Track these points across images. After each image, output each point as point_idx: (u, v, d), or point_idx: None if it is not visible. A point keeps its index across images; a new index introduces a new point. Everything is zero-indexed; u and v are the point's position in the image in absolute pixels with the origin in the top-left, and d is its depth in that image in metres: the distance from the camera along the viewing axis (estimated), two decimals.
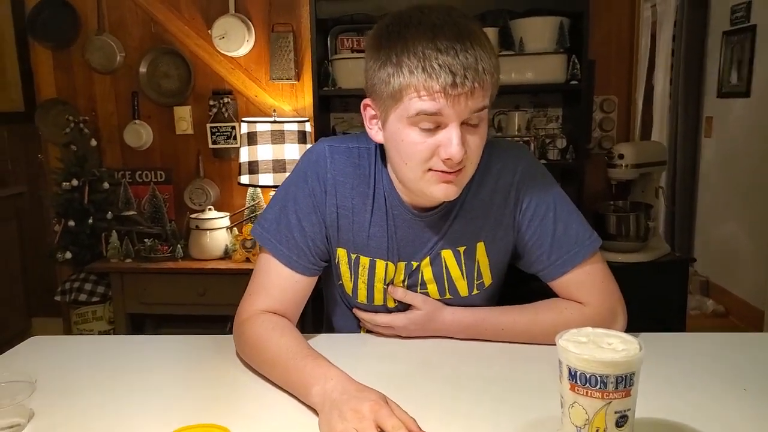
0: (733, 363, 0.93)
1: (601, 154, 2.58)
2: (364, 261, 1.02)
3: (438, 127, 0.84)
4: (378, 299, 1.04)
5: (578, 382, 0.63)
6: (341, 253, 1.03)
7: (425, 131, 0.84)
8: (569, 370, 0.64)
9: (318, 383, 0.78)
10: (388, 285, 1.03)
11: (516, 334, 1.00)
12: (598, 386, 0.62)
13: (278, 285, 0.98)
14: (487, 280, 1.04)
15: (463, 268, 1.02)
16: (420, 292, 1.03)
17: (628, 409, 0.63)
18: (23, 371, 0.81)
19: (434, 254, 1.01)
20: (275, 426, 0.77)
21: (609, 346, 0.65)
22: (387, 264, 1.01)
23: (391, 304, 1.05)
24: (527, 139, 2.39)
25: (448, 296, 1.03)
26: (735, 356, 0.96)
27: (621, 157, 2.34)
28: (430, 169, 0.87)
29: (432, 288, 1.03)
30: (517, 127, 2.48)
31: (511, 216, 1.00)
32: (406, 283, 1.03)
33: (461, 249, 1.01)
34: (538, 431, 0.74)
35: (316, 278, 1.03)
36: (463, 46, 0.80)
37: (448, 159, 0.84)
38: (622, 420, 0.63)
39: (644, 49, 4.18)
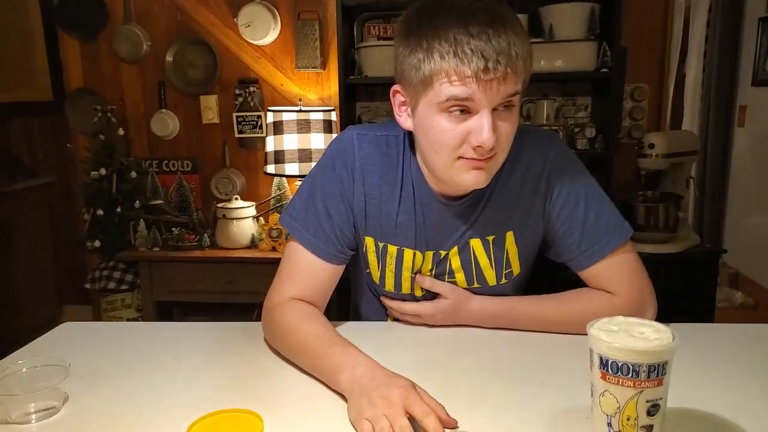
0: (764, 353, 0.91)
1: (630, 143, 2.53)
2: (392, 250, 1.02)
3: (469, 113, 0.82)
4: (406, 288, 1.04)
5: (610, 370, 0.62)
6: (369, 242, 1.03)
7: (456, 118, 0.83)
8: (600, 358, 0.63)
9: (347, 370, 0.78)
10: (415, 274, 1.03)
11: (544, 324, 0.99)
12: (630, 375, 0.61)
13: (306, 273, 0.99)
14: (516, 269, 1.03)
15: (492, 257, 1.01)
16: (448, 281, 1.03)
17: (660, 398, 0.62)
18: (57, 356, 0.83)
19: (462, 243, 1.00)
20: (306, 412, 0.77)
21: (641, 335, 0.64)
22: (415, 253, 1.01)
23: (418, 293, 1.05)
24: (556, 128, 2.36)
25: (476, 285, 1.03)
26: (766, 346, 0.94)
27: (651, 146, 2.28)
28: (460, 157, 0.85)
29: (460, 277, 1.02)
30: (545, 116, 2.44)
31: (542, 205, 0.99)
32: (434, 272, 1.03)
33: (490, 238, 1.00)
34: (568, 420, 0.73)
35: (344, 266, 1.03)
36: (495, 31, 0.79)
37: (478, 146, 0.82)
38: (653, 409, 0.62)
39: (677, 36, 4.05)
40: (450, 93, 0.81)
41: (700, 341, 0.96)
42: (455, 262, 1.01)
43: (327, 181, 0.99)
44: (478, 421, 0.72)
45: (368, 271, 1.06)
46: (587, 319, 0.67)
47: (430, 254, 1.01)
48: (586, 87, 2.57)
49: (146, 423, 0.75)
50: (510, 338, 0.99)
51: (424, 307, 1.02)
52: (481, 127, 0.81)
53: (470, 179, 0.87)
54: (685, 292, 2.33)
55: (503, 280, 1.03)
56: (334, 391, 0.81)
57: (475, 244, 1.00)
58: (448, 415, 0.70)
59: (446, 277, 1.03)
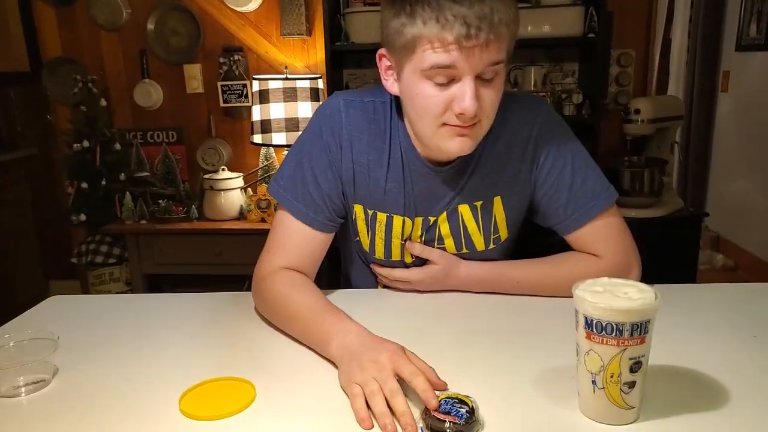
0: (743, 312, 0.94)
1: (617, 109, 2.54)
2: (381, 217, 1.02)
3: (452, 80, 0.82)
4: (395, 254, 1.05)
5: (594, 330, 0.64)
6: (358, 210, 1.03)
7: (439, 85, 0.83)
8: (585, 318, 0.65)
9: (337, 337, 0.80)
10: (405, 241, 1.04)
11: (532, 287, 1.01)
12: (614, 334, 0.63)
13: (296, 241, 0.99)
14: (504, 234, 1.04)
15: (480, 222, 1.02)
16: (437, 247, 1.04)
17: (643, 356, 0.64)
18: (45, 329, 0.82)
19: (451, 209, 1.01)
20: (298, 379, 0.79)
21: (625, 296, 0.66)
22: (404, 219, 1.02)
23: (408, 260, 1.06)
24: (543, 94, 2.35)
25: (465, 251, 1.04)
26: (745, 306, 0.97)
27: (637, 112, 2.29)
28: (444, 124, 0.86)
29: (449, 243, 1.03)
30: (533, 82, 2.43)
31: (529, 170, 0.99)
32: (423, 238, 1.04)
33: (478, 204, 1.01)
34: (555, 379, 0.75)
35: (333, 235, 1.03)
36: (481, 2, 0.78)
37: (461, 113, 0.83)
38: (636, 366, 0.64)
39: (663, 1, 4.05)
40: (432, 60, 0.81)
41: (681, 301, 0.98)
42: (444, 228, 1.02)
43: (314, 149, 0.99)
44: (467, 383, 0.74)
45: (358, 239, 1.07)
46: (573, 282, 0.68)
47: (419, 220, 1.02)
48: (573, 53, 2.56)
49: (138, 393, 0.76)
50: (498, 303, 1.00)
51: (414, 273, 1.03)
52: (463, 94, 0.81)
53: (454, 146, 0.88)
54: (668, 254, 2.38)
55: (491, 245, 1.04)
56: (325, 358, 0.82)
57: (463, 209, 1.01)
58: (437, 377, 0.72)
59: (436, 243, 1.04)
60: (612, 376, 0.65)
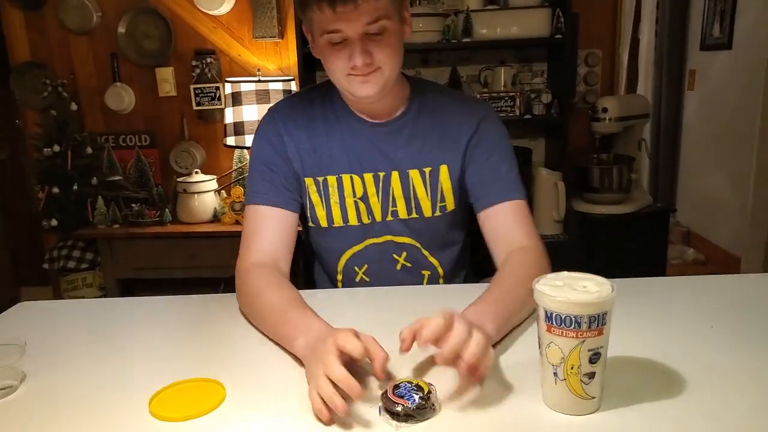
0: (703, 303, 0.97)
1: (585, 108, 2.60)
2: (332, 180, 1.10)
3: (345, 39, 0.95)
4: (352, 217, 1.12)
5: (554, 323, 0.66)
6: (309, 182, 1.11)
7: (336, 44, 0.96)
8: (545, 312, 0.67)
9: (301, 335, 0.81)
10: (357, 199, 1.11)
11: (518, 298, 0.90)
12: (573, 326, 0.65)
13: (267, 227, 1.05)
14: (450, 204, 1.13)
15: (428, 188, 1.11)
16: (391, 210, 1.12)
17: (601, 347, 0.67)
18: (13, 336, 0.83)
19: (402, 171, 1.10)
20: (267, 379, 0.79)
21: (583, 289, 0.68)
22: (352, 177, 1.10)
23: (365, 220, 1.12)
24: (513, 94, 2.39)
25: (414, 215, 1.12)
26: (705, 297, 1.00)
27: (605, 110, 2.35)
28: (349, 73, 0.99)
29: (401, 205, 1.12)
30: (503, 83, 2.47)
31: (466, 148, 1.10)
32: (380, 197, 1.11)
33: (426, 170, 1.10)
34: (520, 371, 0.77)
35: (297, 216, 1.10)
36: None
37: (354, 66, 0.96)
38: (595, 357, 0.67)
39: (630, 2, 4.13)
40: (321, 27, 0.96)
41: (645, 294, 1.01)
42: (397, 189, 1.11)
43: (260, 149, 1.11)
44: (435, 377, 0.76)
45: (315, 223, 1.13)
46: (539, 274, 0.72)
47: (369, 177, 1.10)
48: (542, 53, 2.60)
49: (107, 397, 0.76)
50: (468, 296, 1.02)
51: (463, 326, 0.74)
52: (353, 52, 0.95)
53: (361, 90, 1.00)
54: (638, 250, 2.44)
55: (437, 212, 1.12)
56: (295, 358, 0.82)
57: (414, 174, 1.10)
58: (380, 348, 0.73)
59: (390, 205, 1.11)
60: (572, 368, 0.67)
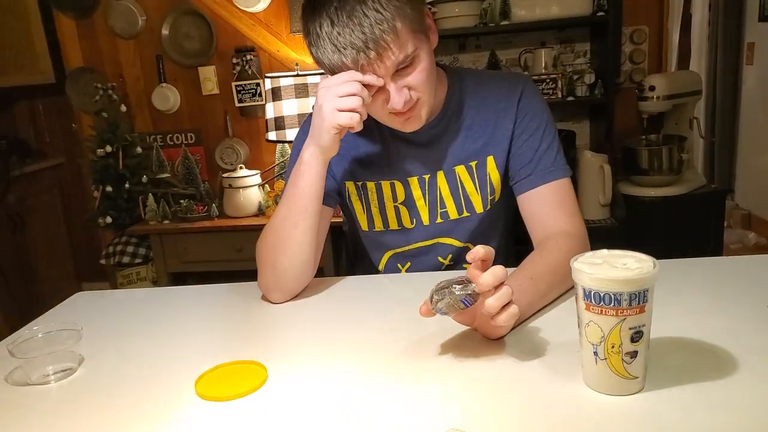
0: (757, 282, 0.92)
1: (631, 87, 2.50)
2: (371, 185, 1.09)
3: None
4: (392, 221, 1.11)
5: (593, 301, 0.65)
6: (350, 186, 1.10)
7: (371, 91, 0.91)
8: (584, 290, 0.65)
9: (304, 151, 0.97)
10: (399, 204, 1.09)
11: (546, 278, 0.89)
12: (612, 304, 0.63)
13: None
14: (498, 195, 1.10)
15: (477, 182, 1.08)
16: (440, 211, 1.09)
17: (643, 325, 0.65)
18: (71, 321, 0.87)
19: (449, 170, 1.07)
20: (307, 362, 0.81)
21: (623, 266, 0.66)
22: (393, 183, 1.08)
23: (407, 225, 1.10)
24: (554, 76, 2.33)
25: (465, 214, 1.09)
26: (757, 276, 0.95)
27: (652, 89, 2.26)
28: (390, 113, 0.95)
29: (450, 204, 1.09)
30: (543, 65, 2.41)
31: (510, 129, 1.06)
32: (427, 199, 1.08)
33: (473, 164, 1.07)
34: (559, 353, 0.76)
35: (331, 212, 1.09)
36: (357, 20, 0.85)
37: (393, 108, 0.92)
38: (637, 336, 0.64)
39: None
40: None
41: (696, 274, 0.97)
42: (444, 189, 1.08)
43: (301, 144, 1.06)
44: (472, 359, 0.75)
45: (358, 224, 1.12)
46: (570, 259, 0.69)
47: (414, 180, 1.08)
48: (584, 33, 2.53)
49: (156, 378, 0.79)
50: None
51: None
52: (388, 96, 0.91)
53: (406, 128, 0.98)
54: (692, 234, 2.34)
55: (489, 206, 1.09)
56: (337, 344, 0.84)
57: (460, 170, 1.07)
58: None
59: (438, 205, 1.09)
60: (613, 347, 0.65)
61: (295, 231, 0.99)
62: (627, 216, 2.24)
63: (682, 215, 2.30)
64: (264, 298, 1.03)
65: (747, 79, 3.55)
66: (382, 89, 0.91)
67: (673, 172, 2.28)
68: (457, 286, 0.72)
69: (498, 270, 0.72)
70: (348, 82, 0.88)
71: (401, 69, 0.90)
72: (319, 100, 0.91)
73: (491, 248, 0.74)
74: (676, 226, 2.32)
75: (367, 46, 0.86)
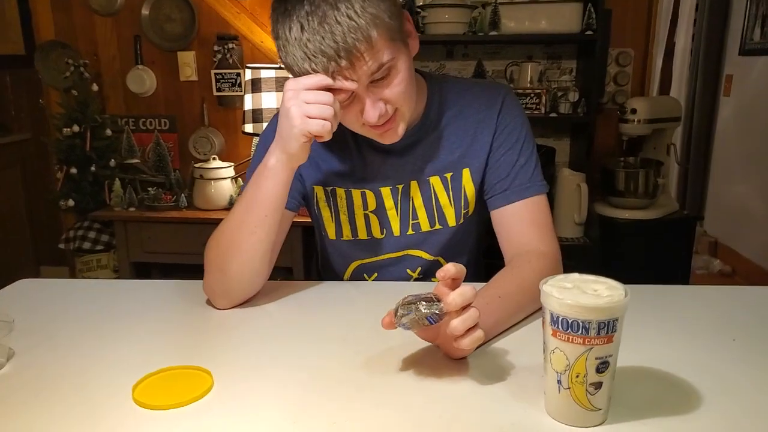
0: (726, 315, 0.91)
1: (613, 108, 2.51)
2: (340, 192, 1.04)
3: (351, 93, 0.85)
4: (361, 230, 1.06)
5: (560, 327, 0.61)
6: (318, 191, 1.05)
7: (344, 102, 0.87)
8: (551, 315, 0.62)
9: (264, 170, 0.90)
10: (369, 212, 1.04)
11: (512, 298, 0.87)
12: (580, 332, 0.60)
13: None
14: (472, 209, 1.06)
15: (451, 194, 1.04)
16: (412, 223, 1.05)
17: (610, 356, 0.62)
18: (3, 311, 0.80)
19: (423, 180, 1.03)
20: (256, 368, 0.76)
21: (594, 292, 0.63)
22: (363, 192, 1.03)
23: (377, 234, 1.05)
24: (539, 91, 2.32)
25: (437, 226, 1.05)
26: (728, 308, 0.94)
27: (633, 111, 2.27)
28: (364, 124, 0.90)
29: (422, 215, 1.05)
30: (529, 79, 2.41)
31: (489, 141, 1.02)
32: (399, 210, 1.04)
33: (448, 175, 1.03)
34: (522, 378, 0.73)
35: (292, 216, 1.03)
36: (328, 27, 0.79)
37: (367, 122, 0.88)
38: (602, 366, 0.61)
39: (667, 3, 4.01)
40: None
41: (663, 302, 0.95)
42: (417, 199, 1.04)
43: (271, 140, 1.00)
44: (433, 378, 0.72)
45: (324, 232, 1.07)
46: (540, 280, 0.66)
47: (387, 190, 1.03)
48: (571, 50, 2.53)
49: (92, 380, 0.73)
50: None
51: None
52: (363, 107, 0.86)
53: (384, 140, 0.93)
54: (661, 258, 2.36)
55: (461, 220, 1.05)
56: (286, 349, 0.80)
57: (435, 181, 1.03)
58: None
59: (410, 216, 1.04)
60: (577, 376, 0.62)
61: (251, 238, 0.92)
62: (601, 236, 2.24)
63: (654, 239, 2.32)
64: (209, 302, 0.97)
65: (723, 110, 3.62)
66: (356, 99, 0.86)
67: (648, 196, 2.29)
68: (424, 303, 0.69)
69: (467, 291, 0.68)
70: (317, 89, 0.82)
71: (377, 80, 0.85)
72: (287, 103, 0.84)
73: (462, 267, 0.70)
74: (647, 250, 2.33)
75: (339, 55, 0.80)
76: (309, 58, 0.82)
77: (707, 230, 3.61)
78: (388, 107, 0.87)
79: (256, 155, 1.02)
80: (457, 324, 0.68)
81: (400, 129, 0.92)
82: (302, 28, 0.81)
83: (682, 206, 2.97)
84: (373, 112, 0.85)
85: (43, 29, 2.76)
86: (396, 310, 0.71)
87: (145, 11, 2.67)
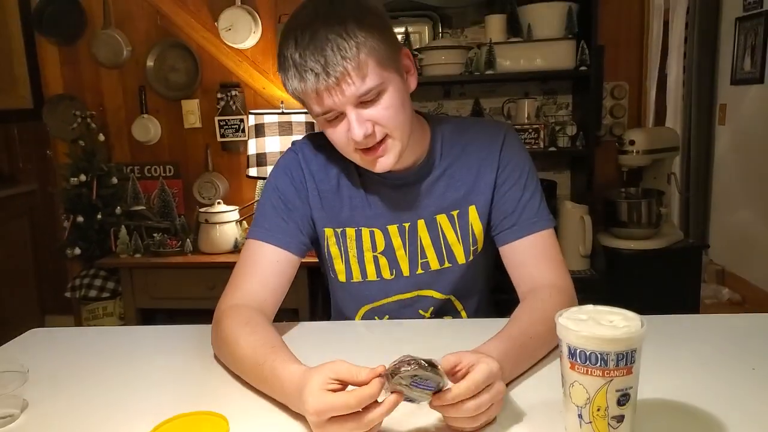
0: (743, 343, 0.91)
1: (612, 140, 2.55)
2: (350, 232, 1.04)
3: (341, 114, 0.87)
4: (370, 272, 1.05)
5: (578, 360, 0.61)
6: (329, 233, 1.04)
7: (333, 123, 0.89)
8: (569, 348, 0.62)
9: (276, 391, 0.76)
10: (378, 254, 1.04)
11: (540, 335, 0.86)
12: (599, 364, 0.60)
13: (263, 265, 0.97)
14: (480, 245, 1.06)
15: (458, 232, 1.04)
16: (421, 262, 1.04)
17: (630, 387, 0.61)
18: (17, 362, 0.80)
19: (430, 219, 1.03)
20: (272, 413, 0.76)
21: (610, 324, 0.63)
22: (373, 231, 1.03)
23: (386, 275, 1.05)
24: (537, 126, 2.36)
25: (447, 264, 1.05)
26: (745, 337, 0.93)
27: (632, 143, 2.30)
28: (356, 149, 0.91)
29: (431, 254, 1.04)
30: (526, 115, 2.44)
31: (493, 178, 1.03)
32: (407, 249, 1.04)
33: (455, 213, 1.03)
34: (541, 413, 0.72)
35: (299, 261, 1.01)
36: (319, 44, 0.82)
37: (357, 141, 0.88)
38: (623, 398, 0.61)
39: (657, 37, 4.10)
40: (313, 109, 0.89)
41: (679, 332, 0.95)
42: (425, 239, 1.03)
43: (281, 183, 1.03)
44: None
45: (335, 275, 1.07)
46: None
47: (394, 229, 1.03)
48: (567, 85, 2.58)
49: (107, 429, 0.73)
50: (483, 332, 0.97)
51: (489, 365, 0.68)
52: (350, 127, 0.87)
53: (375, 167, 0.93)
54: (670, 287, 2.34)
55: (471, 257, 1.05)
56: None
57: (441, 219, 1.03)
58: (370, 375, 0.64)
59: (419, 255, 1.04)
60: (599, 410, 0.62)
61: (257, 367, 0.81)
62: (606, 268, 2.24)
63: (661, 269, 2.31)
64: None
65: (720, 139, 3.66)
66: (346, 119, 0.87)
67: (651, 226, 2.29)
68: (418, 377, 0.63)
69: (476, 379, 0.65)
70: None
71: (366, 101, 0.87)
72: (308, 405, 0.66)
73: (460, 356, 0.68)
74: (655, 280, 2.32)
75: (327, 72, 0.82)
76: (300, 75, 0.84)
77: (713, 259, 3.60)
78: (377, 129, 0.88)
79: (267, 203, 1.02)
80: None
81: (391, 157, 0.92)
82: (296, 44, 0.84)
83: (686, 235, 2.98)
84: (358, 129, 0.86)
85: (52, 83, 2.83)
86: (391, 374, 0.64)
87: (150, 62, 2.75)
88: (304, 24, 0.84)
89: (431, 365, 0.64)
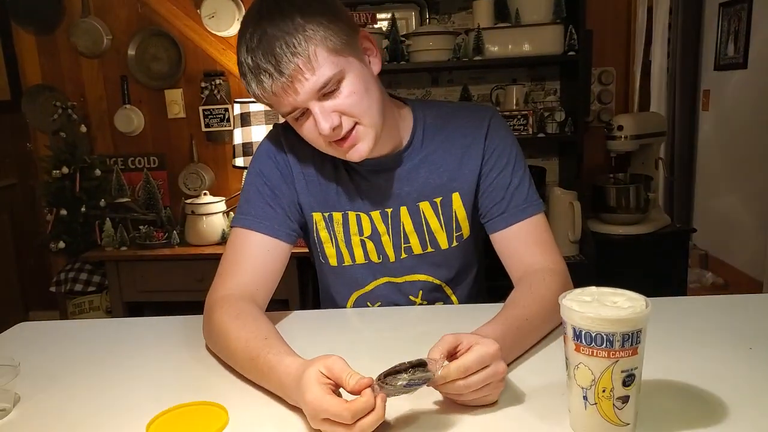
0: (738, 324, 0.91)
1: (600, 126, 2.55)
2: (337, 216, 1.03)
3: (307, 109, 0.86)
4: (358, 255, 1.05)
5: (583, 341, 0.61)
6: (317, 218, 1.04)
7: (300, 120, 0.88)
8: (574, 330, 0.62)
9: (273, 384, 0.74)
10: (365, 238, 1.03)
11: (538, 318, 0.86)
12: (604, 345, 0.60)
13: (252, 255, 0.95)
14: (466, 231, 1.06)
15: (442, 219, 1.03)
16: (404, 246, 1.04)
17: (635, 368, 0.61)
18: (7, 356, 0.78)
19: (412, 205, 1.02)
20: (271, 403, 0.74)
21: (614, 304, 0.63)
22: (358, 216, 1.03)
23: (374, 259, 1.05)
24: (525, 112, 2.35)
25: (429, 249, 1.05)
26: (739, 318, 0.94)
27: (620, 128, 2.30)
28: (328, 142, 0.89)
29: (414, 240, 1.04)
30: (515, 101, 2.44)
31: (478, 165, 1.02)
32: (390, 234, 1.03)
33: (437, 200, 1.03)
34: (544, 396, 0.72)
35: (290, 249, 1.00)
36: (268, 44, 0.81)
37: (326, 135, 0.86)
38: (629, 379, 0.61)
39: (641, 23, 4.12)
40: (280, 110, 0.88)
41: (674, 314, 0.95)
42: (408, 224, 1.03)
43: (265, 168, 1.01)
44: (455, 408, 0.70)
45: (326, 260, 1.06)
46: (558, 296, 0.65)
47: (376, 214, 1.03)
48: (555, 71, 2.58)
49: (103, 422, 0.71)
50: (476, 319, 0.96)
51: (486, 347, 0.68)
52: (316, 119, 0.85)
53: (350, 156, 0.91)
54: (658, 271, 2.37)
55: (454, 243, 1.05)
56: None
57: (425, 206, 1.03)
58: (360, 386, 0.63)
59: (402, 240, 1.04)
60: (604, 391, 0.61)
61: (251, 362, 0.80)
62: (596, 253, 2.25)
63: (649, 254, 2.33)
64: None
65: (703, 124, 3.70)
66: (310, 117, 0.86)
67: (639, 211, 2.31)
68: (404, 375, 0.64)
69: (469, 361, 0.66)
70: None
71: (329, 93, 0.85)
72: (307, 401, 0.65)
73: (454, 337, 0.69)
74: (643, 264, 2.34)
75: (280, 71, 0.81)
76: (255, 78, 0.83)
77: (697, 243, 3.65)
78: (344, 119, 0.86)
79: (252, 189, 1.00)
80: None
81: (365, 144, 0.90)
82: (248, 49, 0.83)
83: (671, 219, 3.01)
84: (324, 123, 0.84)
85: (30, 74, 2.75)
86: (379, 379, 0.65)
87: (131, 51, 2.69)
88: (253, 26, 0.83)
89: (420, 365, 0.65)
